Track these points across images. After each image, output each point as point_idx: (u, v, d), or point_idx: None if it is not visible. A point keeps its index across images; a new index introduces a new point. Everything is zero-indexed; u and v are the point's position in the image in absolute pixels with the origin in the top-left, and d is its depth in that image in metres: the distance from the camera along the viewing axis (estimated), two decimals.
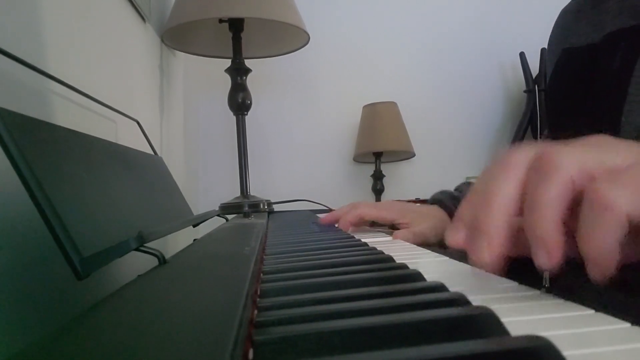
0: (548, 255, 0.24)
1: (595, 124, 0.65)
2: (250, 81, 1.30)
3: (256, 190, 1.43)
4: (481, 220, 0.26)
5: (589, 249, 0.23)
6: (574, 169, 0.25)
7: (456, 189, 0.80)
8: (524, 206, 0.26)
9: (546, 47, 0.80)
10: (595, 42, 0.67)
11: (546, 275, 0.30)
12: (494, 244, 0.26)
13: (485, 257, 0.26)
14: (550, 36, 0.79)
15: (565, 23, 0.75)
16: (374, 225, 0.75)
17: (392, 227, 0.71)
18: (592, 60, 0.67)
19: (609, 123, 0.62)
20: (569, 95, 0.72)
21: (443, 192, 0.77)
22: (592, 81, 0.67)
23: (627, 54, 0.61)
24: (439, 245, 0.68)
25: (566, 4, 0.77)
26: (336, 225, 0.72)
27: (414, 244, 0.57)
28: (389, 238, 0.62)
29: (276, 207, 1.31)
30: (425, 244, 0.58)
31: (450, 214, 0.73)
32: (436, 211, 0.74)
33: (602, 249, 0.23)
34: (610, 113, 0.62)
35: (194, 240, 0.55)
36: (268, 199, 1.28)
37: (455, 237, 0.27)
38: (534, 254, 0.25)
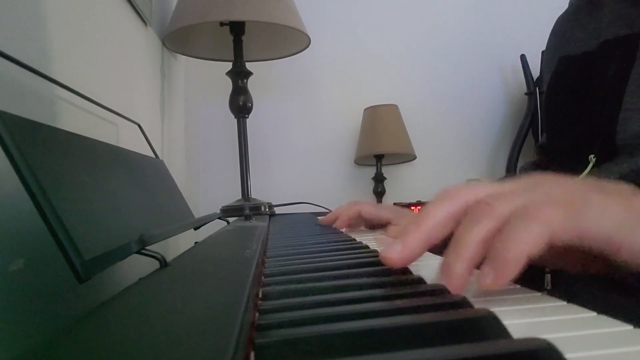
0: (449, 285, 0.27)
1: (591, 132, 0.65)
2: (251, 84, 1.30)
3: (257, 193, 1.43)
4: (407, 232, 0.31)
5: (503, 249, 0.25)
6: (500, 219, 0.27)
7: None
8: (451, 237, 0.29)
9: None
10: (591, 49, 0.68)
11: (548, 278, 0.31)
12: (405, 251, 0.30)
13: (394, 257, 0.30)
14: (547, 44, 0.80)
15: (561, 31, 0.76)
16: (372, 228, 0.76)
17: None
18: (588, 68, 0.68)
19: (604, 131, 0.62)
20: (566, 103, 0.73)
21: None
22: (588, 89, 0.67)
23: (622, 62, 0.61)
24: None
25: (562, 12, 0.78)
26: (333, 226, 0.73)
27: None
28: (391, 241, 0.62)
29: (277, 210, 1.31)
30: None
31: None
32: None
33: (515, 253, 0.25)
34: (606, 121, 0.62)
35: (195, 243, 0.55)
36: (269, 201, 1.28)
37: (391, 251, 0.30)
38: (440, 276, 0.28)
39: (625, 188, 0.30)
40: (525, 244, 0.25)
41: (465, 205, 0.30)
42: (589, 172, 0.64)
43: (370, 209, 0.72)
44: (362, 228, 0.77)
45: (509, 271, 0.25)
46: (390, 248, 0.30)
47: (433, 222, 0.31)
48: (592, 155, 0.64)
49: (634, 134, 0.59)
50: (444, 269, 0.28)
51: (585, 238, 0.27)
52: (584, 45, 0.69)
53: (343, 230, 0.72)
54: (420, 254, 0.31)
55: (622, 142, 0.60)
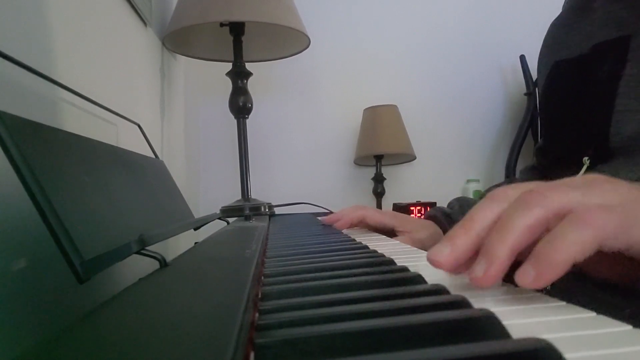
0: (487, 270, 0.25)
1: (585, 134, 0.66)
2: (251, 84, 1.30)
3: (257, 193, 1.43)
4: (457, 236, 0.29)
5: (551, 250, 0.24)
6: (552, 210, 0.26)
7: (448, 205, 0.83)
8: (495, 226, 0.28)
9: None
10: (583, 53, 0.68)
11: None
12: (453, 253, 0.28)
13: (442, 259, 0.28)
14: (541, 49, 0.80)
15: (555, 36, 0.76)
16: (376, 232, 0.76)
17: (390, 235, 0.72)
18: (581, 71, 0.68)
19: (598, 133, 0.63)
20: (560, 107, 0.73)
21: (437, 209, 0.80)
22: (582, 92, 0.68)
23: (613, 64, 0.62)
24: None
25: (556, 17, 0.78)
26: (333, 226, 0.73)
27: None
28: (391, 241, 0.62)
29: (277, 210, 1.31)
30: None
31: (443, 229, 0.76)
32: (432, 225, 0.77)
33: (562, 255, 0.24)
34: (600, 123, 0.62)
35: (195, 243, 0.55)
36: (269, 202, 1.28)
37: (439, 253, 0.28)
38: (476, 263, 0.26)
39: None
40: (575, 248, 0.24)
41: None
42: (583, 174, 0.65)
43: (375, 214, 0.72)
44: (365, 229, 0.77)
45: (552, 274, 0.24)
46: (436, 251, 0.29)
47: (485, 225, 0.29)
48: (586, 158, 0.65)
49: (627, 136, 0.59)
50: (485, 251, 0.26)
51: (635, 247, 0.26)
52: (577, 49, 0.70)
53: (343, 231, 0.72)
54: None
55: (616, 144, 0.61)
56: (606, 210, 0.25)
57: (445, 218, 0.76)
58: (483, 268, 0.26)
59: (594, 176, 0.30)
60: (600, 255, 0.26)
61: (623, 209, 0.26)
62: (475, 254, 0.28)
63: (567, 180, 0.30)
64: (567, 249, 0.24)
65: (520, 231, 0.26)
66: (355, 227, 0.75)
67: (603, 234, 0.25)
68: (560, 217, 0.26)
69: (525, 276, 0.24)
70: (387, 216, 0.73)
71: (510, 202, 0.28)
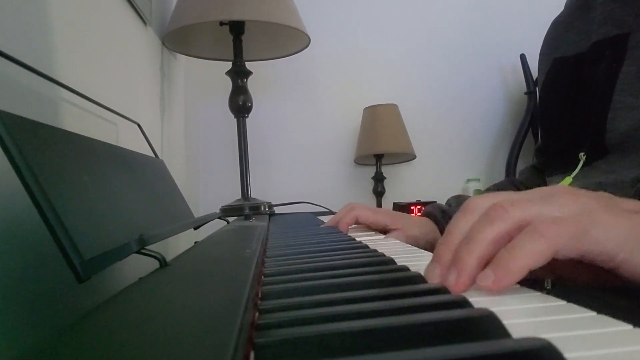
0: (458, 278, 0.29)
1: (582, 131, 0.66)
2: (251, 84, 1.30)
3: (257, 192, 1.43)
4: (441, 254, 0.32)
5: (509, 258, 0.27)
6: (513, 223, 0.30)
7: (446, 203, 0.83)
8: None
9: None
10: (582, 51, 0.69)
11: (548, 277, 0.32)
12: (443, 270, 0.31)
13: (436, 280, 0.31)
14: (542, 46, 0.81)
15: (555, 33, 0.77)
16: (371, 230, 0.76)
17: (384, 232, 0.72)
18: (580, 69, 0.68)
19: (594, 130, 0.63)
20: (558, 104, 0.74)
21: (434, 206, 0.80)
22: (580, 90, 0.68)
23: (611, 62, 0.62)
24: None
25: (557, 15, 0.79)
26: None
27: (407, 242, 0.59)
28: (391, 240, 0.62)
29: (277, 210, 1.31)
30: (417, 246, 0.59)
31: (439, 226, 0.76)
32: (427, 222, 0.77)
33: (518, 264, 0.27)
34: (596, 120, 0.63)
35: (195, 242, 0.55)
36: (269, 201, 1.28)
37: (432, 274, 0.31)
38: (449, 271, 0.30)
39: (635, 207, 0.32)
40: (529, 257, 0.27)
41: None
42: (579, 170, 0.65)
43: (367, 213, 0.73)
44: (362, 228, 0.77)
45: (509, 279, 0.27)
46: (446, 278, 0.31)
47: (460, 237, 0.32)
48: (582, 154, 0.65)
49: (623, 132, 0.60)
50: (455, 262, 0.30)
51: (589, 254, 0.28)
52: (576, 47, 0.70)
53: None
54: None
55: (612, 140, 0.61)
56: (559, 223, 0.28)
57: (442, 215, 0.77)
58: (454, 277, 0.29)
59: (556, 188, 0.34)
60: (575, 264, 0.30)
61: (576, 220, 0.29)
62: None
63: (531, 192, 0.33)
64: (523, 258, 0.27)
65: (486, 243, 0.29)
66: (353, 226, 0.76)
67: (555, 244, 0.27)
68: (520, 228, 0.29)
69: (486, 279, 0.27)
70: (379, 214, 0.73)
71: (480, 213, 0.32)
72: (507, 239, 0.29)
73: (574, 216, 0.29)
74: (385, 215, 0.73)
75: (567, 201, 0.31)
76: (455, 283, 0.29)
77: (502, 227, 0.30)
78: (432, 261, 0.32)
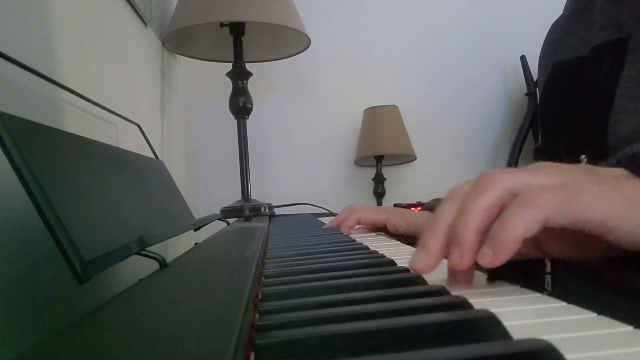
0: (460, 255, 0.29)
1: (583, 135, 0.66)
2: (251, 85, 1.30)
3: (257, 194, 1.43)
4: (427, 240, 0.32)
5: (502, 230, 0.27)
6: (503, 189, 0.30)
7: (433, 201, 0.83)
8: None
9: None
10: (583, 55, 0.69)
11: (548, 278, 0.32)
12: (430, 256, 0.31)
13: (420, 266, 0.31)
14: (542, 50, 0.81)
15: (555, 37, 0.77)
16: (373, 229, 0.77)
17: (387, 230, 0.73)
18: (580, 73, 0.69)
19: (596, 133, 0.63)
20: (559, 108, 0.74)
21: (436, 200, 0.80)
22: (581, 94, 0.69)
23: (612, 66, 0.63)
24: None
25: (556, 19, 0.79)
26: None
27: (406, 232, 0.59)
28: (391, 242, 0.62)
29: (277, 211, 1.31)
30: (418, 235, 0.59)
31: None
32: (429, 215, 0.76)
33: (512, 234, 0.27)
34: (597, 124, 0.63)
35: (195, 244, 0.55)
36: (269, 202, 1.28)
37: (417, 262, 0.31)
38: (450, 251, 0.29)
39: (619, 173, 0.32)
40: (521, 226, 0.27)
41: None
42: None
43: (368, 214, 0.73)
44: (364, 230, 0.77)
45: (506, 251, 0.27)
46: (415, 258, 0.31)
47: (447, 222, 0.32)
48: (583, 156, 0.65)
49: (624, 136, 0.60)
50: (454, 238, 0.29)
51: (579, 222, 0.28)
52: (576, 51, 0.71)
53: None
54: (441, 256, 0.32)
55: (613, 143, 0.61)
56: (549, 191, 0.28)
57: None
58: (457, 254, 0.29)
59: (539, 163, 0.34)
60: (560, 238, 0.30)
61: (565, 188, 0.29)
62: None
63: (515, 168, 0.33)
64: (517, 228, 0.27)
65: (480, 213, 0.29)
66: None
67: (547, 212, 0.27)
68: (512, 195, 0.29)
69: (485, 256, 0.28)
70: (380, 213, 0.74)
71: (462, 196, 0.31)
72: (500, 207, 0.29)
73: (562, 185, 0.29)
74: (386, 212, 0.74)
75: (553, 172, 0.31)
76: (460, 261, 0.29)
77: (494, 194, 0.30)
78: (417, 248, 0.32)
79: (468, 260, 0.29)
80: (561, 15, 0.78)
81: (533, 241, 0.31)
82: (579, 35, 0.71)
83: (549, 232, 0.29)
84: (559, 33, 0.76)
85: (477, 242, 0.29)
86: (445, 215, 0.32)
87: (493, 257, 0.27)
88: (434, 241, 0.31)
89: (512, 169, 0.32)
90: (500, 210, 0.29)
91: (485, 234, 0.29)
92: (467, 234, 0.29)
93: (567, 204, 0.28)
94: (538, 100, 0.83)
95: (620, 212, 0.29)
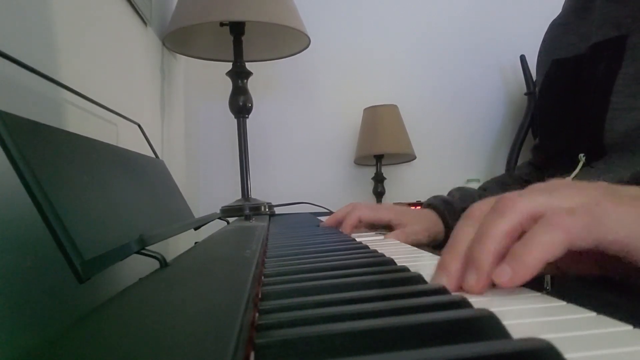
0: (478, 279, 0.28)
1: (580, 131, 0.66)
2: (251, 84, 1.30)
3: (257, 193, 1.43)
4: (447, 263, 0.31)
5: (525, 252, 0.27)
6: (524, 213, 0.29)
7: (449, 194, 0.83)
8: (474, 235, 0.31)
9: None
10: (581, 53, 0.69)
11: (547, 278, 0.32)
12: (451, 279, 0.30)
13: (472, 285, 0.29)
14: (540, 48, 0.81)
15: (553, 35, 0.77)
16: (374, 228, 0.76)
17: (389, 229, 0.72)
18: (579, 71, 0.69)
19: (593, 130, 0.63)
20: (557, 105, 0.74)
21: (436, 197, 0.80)
22: (578, 91, 0.69)
23: (610, 63, 0.63)
24: (431, 247, 0.70)
25: (555, 17, 0.79)
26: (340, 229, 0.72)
27: (407, 243, 0.58)
28: (391, 241, 0.62)
29: (277, 210, 1.31)
30: (417, 244, 0.58)
31: (442, 216, 0.76)
32: (430, 214, 0.76)
33: (535, 257, 0.27)
34: (594, 121, 0.63)
35: (195, 243, 0.55)
36: (269, 201, 1.28)
37: (439, 281, 0.30)
38: (467, 274, 0.29)
39: (637, 193, 0.32)
40: (545, 249, 0.27)
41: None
42: (579, 170, 0.65)
43: (369, 212, 0.72)
44: (363, 229, 0.77)
45: (526, 272, 0.27)
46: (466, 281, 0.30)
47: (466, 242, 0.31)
48: (581, 154, 0.65)
49: (621, 133, 0.60)
50: (472, 262, 0.29)
51: (602, 244, 0.28)
52: (575, 49, 0.71)
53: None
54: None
55: (610, 140, 0.61)
56: (572, 213, 0.28)
57: (445, 205, 0.76)
58: (475, 278, 0.28)
59: (556, 181, 0.34)
60: (577, 255, 0.30)
61: (587, 210, 0.28)
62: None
63: (532, 186, 0.33)
64: (539, 250, 0.27)
65: (499, 237, 0.29)
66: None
67: (571, 235, 0.27)
68: (532, 219, 0.29)
69: (503, 274, 0.27)
70: (381, 211, 0.73)
71: (483, 216, 0.31)
72: (520, 232, 0.29)
73: (584, 206, 0.29)
74: (388, 211, 0.73)
75: (572, 192, 0.31)
76: (476, 284, 0.28)
77: (514, 219, 0.29)
78: (437, 270, 0.31)
79: (485, 284, 0.28)
80: (560, 14, 0.78)
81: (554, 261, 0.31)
82: (577, 33, 0.71)
83: (569, 252, 0.28)
84: (557, 31, 0.76)
85: (495, 266, 0.28)
86: (464, 237, 0.31)
87: (512, 277, 0.27)
88: (454, 264, 0.30)
89: (530, 191, 0.31)
90: (520, 233, 0.29)
91: (502, 258, 0.28)
92: (486, 258, 0.28)
93: (591, 227, 0.28)
94: (537, 97, 0.83)
95: (639, 233, 0.28)
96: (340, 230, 0.72)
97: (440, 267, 0.31)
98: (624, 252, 0.29)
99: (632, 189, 0.33)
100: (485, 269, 0.28)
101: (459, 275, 0.30)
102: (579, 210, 0.28)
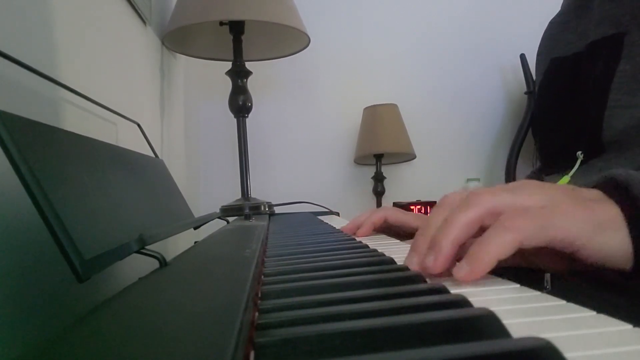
0: (435, 259, 0.32)
1: (579, 129, 0.66)
2: (251, 84, 1.30)
3: (257, 192, 1.43)
4: (419, 244, 0.35)
5: (479, 250, 0.30)
6: (486, 209, 0.33)
7: None
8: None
9: None
10: (579, 50, 0.69)
11: (547, 277, 0.34)
12: (420, 257, 0.34)
13: (413, 267, 0.34)
14: (539, 46, 0.81)
15: (552, 33, 0.77)
16: (398, 236, 0.68)
17: (411, 237, 0.66)
18: (577, 69, 0.69)
19: (591, 128, 0.63)
20: (555, 103, 0.74)
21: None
22: (577, 89, 0.68)
23: (608, 61, 0.63)
24: None
25: (554, 15, 0.79)
26: (355, 235, 0.65)
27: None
28: (392, 241, 0.62)
29: (277, 210, 1.31)
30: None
31: None
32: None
33: (488, 255, 0.30)
34: (593, 118, 0.63)
35: (195, 242, 0.55)
36: (269, 201, 1.28)
37: (410, 262, 0.35)
38: (427, 254, 0.33)
39: (595, 196, 0.35)
40: (497, 249, 0.30)
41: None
42: (578, 168, 0.65)
43: (397, 213, 0.67)
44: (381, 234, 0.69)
45: (481, 268, 0.30)
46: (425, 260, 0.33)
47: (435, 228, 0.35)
48: (579, 152, 0.65)
49: (619, 130, 0.60)
50: (432, 244, 0.33)
51: (551, 243, 0.31)
52: (573, 47, 0.71)
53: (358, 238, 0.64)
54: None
55: (608, 138, 0.61)
56: (524, 216, 0.31)
57: None
58: (432, 258, 0.32)
59: (525, 181, 0.37)
60: (543, 251, 0.33)
61: (540, 211, 0.32)
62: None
63: (502, 185, 0.36)
64: (492, 250, 0.30)
65: (460, 227, 0.33)
66: (377, 231, 0.68)
67: (521, 235, 0.30)
68: (493, 215, 0.33)
69: (461, 271, 0.30)
70: (410, 216, 0.67)
71: (455, 205, 0.35)
72: (479, 224, 0.33)
73: (539, 207, 0.32)
74: (416, 218, 0.67)
75: (535, 192, 0.34)
76: (433, 265, 0.32)
77: (476, 212, 0.33)
78: (410, 251, 0.35)
79: (441, 266, 0.32)
80: (559, 12, 0.78)
81: (521, 255, 0.35)
82: (576, 31, 0.71)
83: (534, 249, 0.32)
84: (556, 29, 0.76)
85: (453, 252, 0.32)
86: (436, 221, 0.35)
87: (468, 273, 0.30)
88: (424, 245, 0.34)
89: (497, 189, 0.35)
90: (479, 227, 0.33)
91: (462, 247, 0.32)
92: (445, 242, 0.32)
93: (540, 227, 0.31)
94: (536, 95, 0.83)
95: (587, 233, 0.32)
96: (360, 231, 0.65)
97: (412, 248, 0.35)
98: (571, 250, 0.32)
99: (593, 192, 0.35)
100: (443, 252, 0.32)
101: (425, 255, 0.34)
102: (533, 211, 0.32)
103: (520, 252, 0.32)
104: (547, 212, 0.32)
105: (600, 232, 0.32)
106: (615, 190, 0.34)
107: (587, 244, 0.32)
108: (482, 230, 0.33)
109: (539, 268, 0.39)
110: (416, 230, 0.67)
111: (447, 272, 0.33)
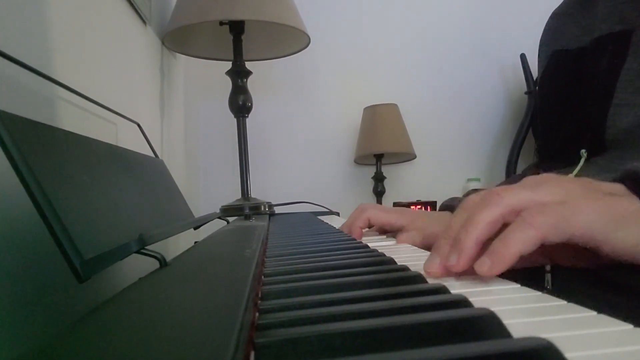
0: (458, 258, 0.32)
1: (582, 127, 0.66)
2: (251, 83, 1.30)
3: (257, 192, 1.43)
4: (441, 246, 0.35)
5: (502, 245, 0.31)
6: (506, 206, 0.33)
7: (464, 196, 0.80)
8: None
9: None
10: (584, 45, 0.68)
11: (548, 277, 0.34)
12: (443, 261, 0.34)
13: (434, 269, 0.34)
14: (541, 38, 0.80)
15: (555, 26, 0.76)
16: (385, 232, 0.69)
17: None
18: (581, 64, 0.68)
19: (594, 126, 0.63)
20: (558, 98, 0.73)
21: (452, 199, 0.76)
22: (580, 84, 0.68)
23: (613, 57, 0.62)
24: None
25: (557, 7, 0.78)
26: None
27: (424, 246, 0.55)
28: (392, 241, 0.62)
29: (277, 210, 1.31)
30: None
31: None
32: (447, 217, 0.72)
33: (510, 250, 0.30)
34: (596, 116, 0.63)
35: (195, 242, 0.55)
36: (269, 201, 1.28)
37: (432, 264, 0.34)
38: (449, 253, 0.33)
39: (617, 190, 0.35)
40: (520, 245, 0.30)
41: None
42: (581, 166, 0.65)
43: (380, 214, 0.66)
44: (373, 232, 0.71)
45: (503, 264, 0.30)
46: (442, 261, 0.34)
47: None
48: (583, 150, 0.65)
49: (623, 129, 0.60)
50: (455, 244, 0.33)
51: (572, 239, 0.32)
52: (578, 41, 0.70)
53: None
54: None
55: (612, 136, 0.61)
56: (545, 212, 0.31)
57: None
58: (455, 257, 0.32)
59: (544, 175, 0.37)
60: (564, 247, 0.33)
61: (561, 207, 0.32)
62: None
63: (522, 181, 0.36)
64: (514, 245, 0.30)
65: (482, 226, 0.33)
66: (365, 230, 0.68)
67: (543, 232, 0.31)
68: (514, 212, 0.33)
69: (483, 265, 0.30)
70: (393, 215, 0.66)
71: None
72: (501, 222, 0.33)
73: (559, 203, 0.32)
74: (401, 215, 0.66)
75: (555, 187, 0.34)
76: (456, 263, 0.32)
77: (496, 211, 0.33)
78: (432, 252, 0.35)
79: (464, 264, 0.32)
80: (561, 4, 0.77)
81: (541, 251, 0.34)
82: (580, 24, 0.71)
83: (555, 245, 0.32)
84: (559, 21, 0.75)
85: (476, 250, 0.32)
86: (457, 223, 0.35)
87: (490, 268, 0.30)
88: (446, 246, 0.34)
89: (517, 186, 0.35)
90: (501, 225, 0.33)
91: (484, 246, 0.32)
92: (467, 241, 0.32)
93: (561, 223, 0.31)
94: (537, 88, 0.82)
95: (609, 228, 0.32)
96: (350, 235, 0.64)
97: (435, 249, 0.35)
98: (592, 245, 0.32)
99: (611, 186, 0.35)
100: (465, 251, 0.32)
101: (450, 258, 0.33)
102: (554, 207, 0.32)
103: (542, 249, 0.32)
104: (568, 208, 0.32)
105: (622, 227, 0.32)
106: (638, 184, 0.34)
107: (609, 239, 0.32)
108: (503, 228, 0.33)
109: (561, 264, 0.39)
110: (401, 229, 0.67)
111: (449, 273, 0.33)
